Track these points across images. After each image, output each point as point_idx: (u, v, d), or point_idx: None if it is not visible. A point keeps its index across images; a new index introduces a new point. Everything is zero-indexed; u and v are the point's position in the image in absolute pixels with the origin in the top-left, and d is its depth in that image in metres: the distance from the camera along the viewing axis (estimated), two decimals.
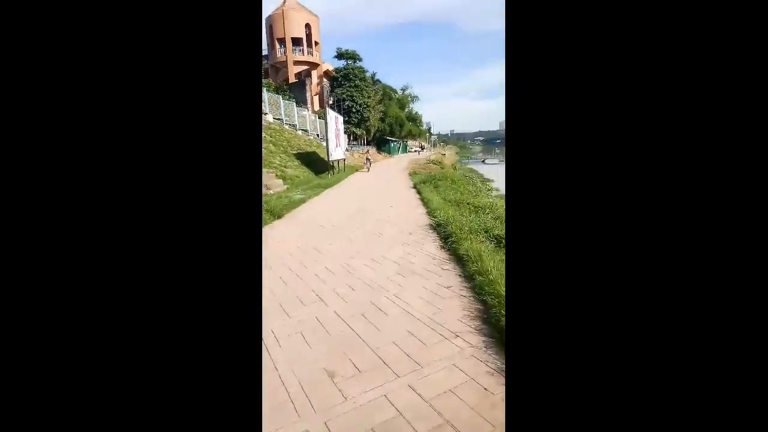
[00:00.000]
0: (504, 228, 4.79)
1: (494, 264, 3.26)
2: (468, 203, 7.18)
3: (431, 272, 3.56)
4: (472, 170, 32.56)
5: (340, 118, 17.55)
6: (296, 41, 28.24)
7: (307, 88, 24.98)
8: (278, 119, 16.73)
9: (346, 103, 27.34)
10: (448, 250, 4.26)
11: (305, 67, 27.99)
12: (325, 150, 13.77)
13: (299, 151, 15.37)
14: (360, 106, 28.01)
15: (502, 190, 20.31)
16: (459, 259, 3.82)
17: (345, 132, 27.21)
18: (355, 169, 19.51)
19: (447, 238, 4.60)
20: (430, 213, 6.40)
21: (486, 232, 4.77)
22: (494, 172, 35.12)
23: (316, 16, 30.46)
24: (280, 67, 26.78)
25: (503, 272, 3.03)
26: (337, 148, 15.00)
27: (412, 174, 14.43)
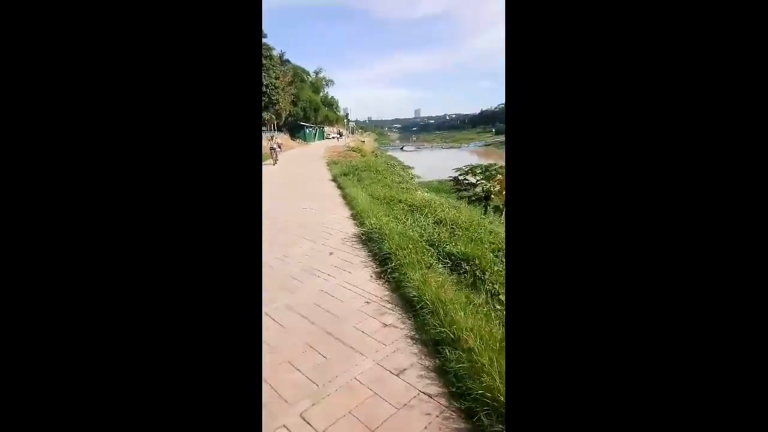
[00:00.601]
0: (450, 238, 3.77)
1: (472, 326, 1.98)
2: (400, 200, 5.93)
3: (370, 341, 2.14)
4: (392, 157, 31.94)
5: None
6: None
7: None
8: None
9: None
10: (388, 281, 2.90)
11: None
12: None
13: None
14: (267, 87, 24.92)
15: (423, 177, 19.97)
16: (408, 303, 2.47)
17: None
18: (263, 157, 17.08)
19: (384, 259, 3.23)
20: (357, 217, 4.98)
21: (433, 246, 3.52)
22: (413, 158, 35.12)
23: None
24: None
25: (492, 345, 1.75)
26: None
27: (331, 164, 12.75)
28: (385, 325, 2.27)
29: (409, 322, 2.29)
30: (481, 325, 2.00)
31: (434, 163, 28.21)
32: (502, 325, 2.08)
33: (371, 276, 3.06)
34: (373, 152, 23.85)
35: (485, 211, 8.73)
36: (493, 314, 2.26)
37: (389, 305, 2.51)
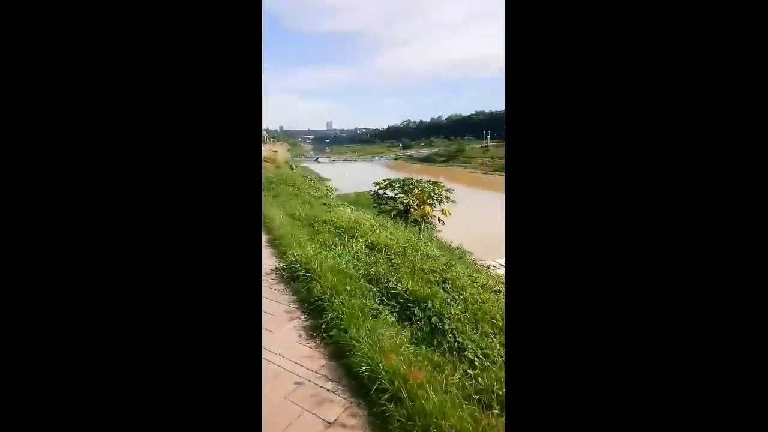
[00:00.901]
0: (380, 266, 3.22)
1: (454, 419, 1.40)
2: (325, 221, 5.19)
3: None
4: (307, 169, 30.62)
5: None
6: None
7: None
8: None
9: None
10: (324, 343, 2.17)
11: None
12: None
13: None
14: None
15: (341, 190, 19.25)
16: (357, 380, 1.79)
17: None
18: None
19: (316, 308, 2.50)
20: (276, 244, 4.11)
21: (373, 283, 2.89)
22: (328, 170, 34.30)
23: None
24: None
25: None
26: None
27: None
28: (329, 425, 1.55)
29: (362, 414, 1.61)
30: (462, 415, 1.43)
31: (350, 176, 27.96)
32: (486, 408, 1.56)
33: (300, 335, 2.29)
34: (287, 163, 22.44)
35: (406, 225, 8.51)
36: (468, 386, 1.72)
37: (330, 385, 1.79)
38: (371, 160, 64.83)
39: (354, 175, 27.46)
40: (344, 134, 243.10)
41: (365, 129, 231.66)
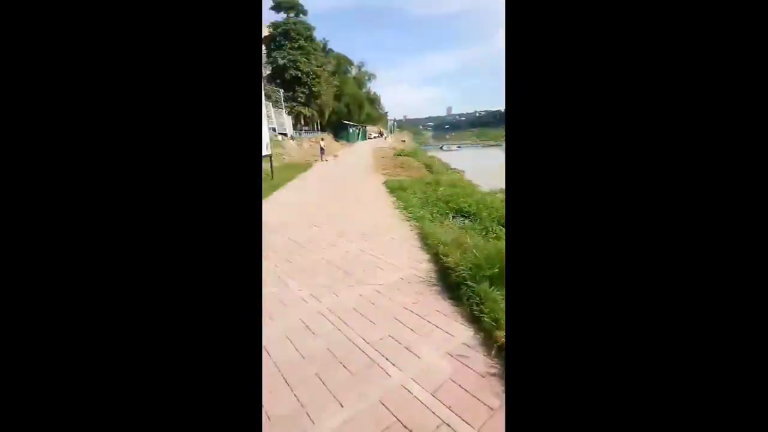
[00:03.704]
0: None
1: None
2: None
3: None
4: (434, 159, 26.05)
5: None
6: None
7: None
8: None
9: (290, 72, 18.80)
10: None
11: None
12: None
13: None
14: (307, 75, 19.53)
15: (483, 185, 14.25)
16: None
17: (290, 112, 18.88)
18: (301, 168, 11.74)
19: None
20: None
21: None
22: (456, 159, 28.97)
23: None
24: None
25: None
26: None
27: (385, 178, 7.85)
28: None
29: None
30: None
31: (483, 165, 22.10)
32: None
33: None
34: (416, 153, 18.02)
35: None
36: None
37: None
38: (500, 145, 56.19)
39: (487, 164, 21.60)
40: (463, 119, 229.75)
41: (485, 111, 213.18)
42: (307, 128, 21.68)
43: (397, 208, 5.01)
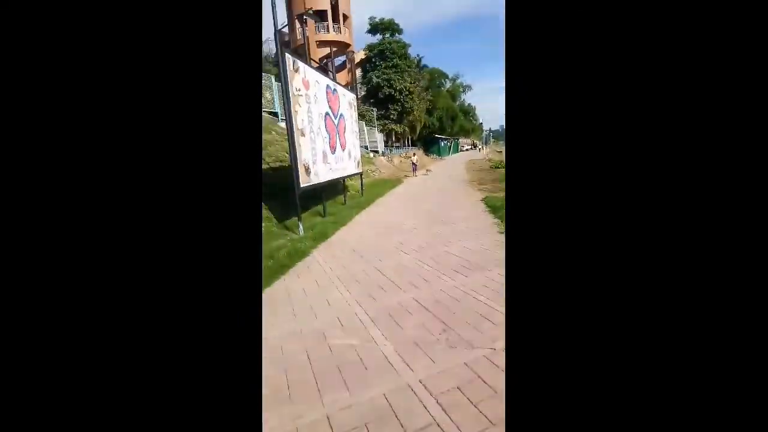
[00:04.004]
0: None
1: None
2: None
3: None
4: None
5: (349, 96, 7.97)
6: (320, 15, 20.78)
7: (330, 72, 17.28)
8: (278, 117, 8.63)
9: (383, 90, 19.30)
10: None
11: (332, 48, 20.45)
12: (293, 162, 4.74)
13: (270, 165, 7.05)
14: (400, 93, 19.77)
15: None
16: None
17: (383, 129, 19.32)
18: (391, 184, 11.59)
19: None
20: None
21: None
22: None
23: None
24: (303, 52, 19.25)
25: None
26: (331, 155, 6.17)
27: (483, 195, 6.72)
28: None
29: None
30: None
31: None
32: None
33: None
34: None
35: None
36: None
37: None
38: None
39: None
40: None
41: None
42: (398, 144, 21.92)
43: (502, 232, 3.98)
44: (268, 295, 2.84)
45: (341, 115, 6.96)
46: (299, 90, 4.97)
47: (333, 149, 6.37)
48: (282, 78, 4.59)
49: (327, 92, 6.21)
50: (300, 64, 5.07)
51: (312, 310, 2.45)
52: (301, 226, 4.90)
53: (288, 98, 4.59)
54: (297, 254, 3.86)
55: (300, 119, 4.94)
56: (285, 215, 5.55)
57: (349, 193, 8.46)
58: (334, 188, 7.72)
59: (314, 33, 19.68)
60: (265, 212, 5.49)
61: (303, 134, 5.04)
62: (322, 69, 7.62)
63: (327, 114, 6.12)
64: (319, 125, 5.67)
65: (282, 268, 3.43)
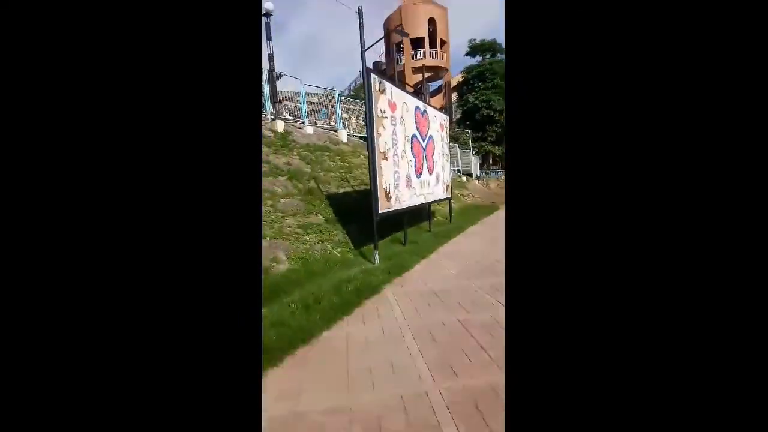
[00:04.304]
0: None
1: None
2: None
3: None
4: None
5: (440, 117, 7.21)
6: (416, 43, 21.27)
7: (425, 96, 17.20)
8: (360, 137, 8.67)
9: (481, 111, 18.40)
10: None
11: (427, 74, 20.68)
12: (373, 186, 4.29)
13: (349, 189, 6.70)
14: (500, 113, 18.51)
15: None
16: None
17: (478, 152, 18.33)
18: (485, 211, 10.55)
19: None
20: None
21: None
22: None
23: (443, 7, 20.47)
24: (400, 79, 19.85)
25: None
26: (416, 179, 5.64)
27: None
28: None
29: None
30: None
31: None
32: None
33: None
34: None
35: None
36: None
37: None
38: None
39: None
40: None
41: None
42: (495, 167, 20.46)
43: None
44: (324, 341, 2.27)
45: (430, 137, 6.38)
46: (384, 112, 4.57)
47: (419, 173, 5.74)
48: (366, 99, 4.26)
49: (416, 114, 5.70)
50: (387, 84, 4.69)
51: (370, 376, 1.92)
52: (377, 255, 4.33)
53: (371, 120, 4.21)
54: (367, 289, 3.24)
55: (383, 141, 4.49)
56: (362, 241, 5.09)
57: (435, 219, 7.85)
58: (418, 214, 7.25)
59: (410, 60, 20.27)
60: (342, 237, 5.16)
61: (385, 157, 4.55)
62: (415, 91, 7.45)
63: (414, 136, 5.57)
64: (404, 148, 5.15)
65: (347, 307, 2.84)
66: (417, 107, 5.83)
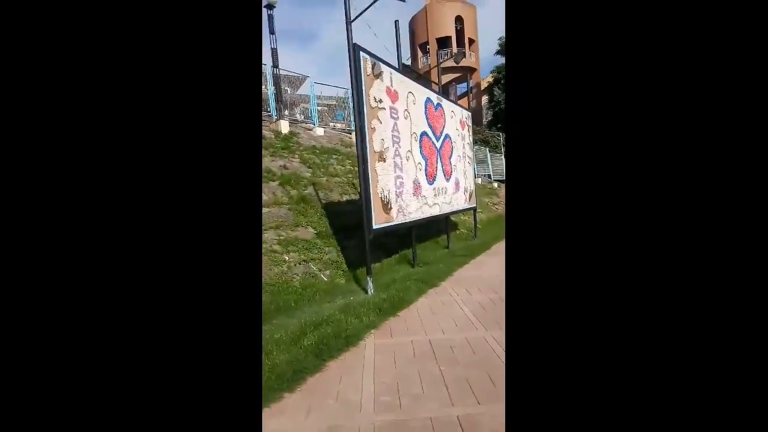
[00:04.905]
0: None
1: None
2: None
3: None
4: None
5: (461, 114, 6.03)
6: (443, 42, 20.24)
7: (451, 99, 16.06)
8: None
9: None
10: None
11: (455, 75, 19.50)
12: (363, 194, 3.33)
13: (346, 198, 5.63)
14: None
15: None
16: None
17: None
18: None
19: None
20: None
21: None
22: None
23: (471, 5, 19.59)
24: (427, 79, 18.70)
25: None
26: (428, 185, 4.52)
27: None
28: None
29: None
30: None
31: None
32: None
33: None
34: None
35: None
36: None
37: None
38: None
39: None
40: None
41: None
42: None
43: None
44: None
45: (446, 135, 5.28)
46: (380, 101, 3.51)
47: (431, 178, 4.64)
48: (353, 83, 3.17)
49: (427, 107, 4.61)
50: (384, 67, 3.63)
51: None
52: (370, 283, 3.25)
53: (361, 111, 3.15)
54: (338, 340, 2.19)
55: (378, 138, 3.42)
56: (361, 261, 4.01)
57: (458, 232, 6.75)
58: (434, 226, 6.22)
59: (435, 60, 19.27)
60: (336, 255, 4.09)
61: (383, 159, 3.50)
62: (424, 80, 6.48)
63: (424, 134, 4.48)
64: (410, 148, 4.11)
65: (298, 375, 1.83)
66: (428, 99, 4.80)
